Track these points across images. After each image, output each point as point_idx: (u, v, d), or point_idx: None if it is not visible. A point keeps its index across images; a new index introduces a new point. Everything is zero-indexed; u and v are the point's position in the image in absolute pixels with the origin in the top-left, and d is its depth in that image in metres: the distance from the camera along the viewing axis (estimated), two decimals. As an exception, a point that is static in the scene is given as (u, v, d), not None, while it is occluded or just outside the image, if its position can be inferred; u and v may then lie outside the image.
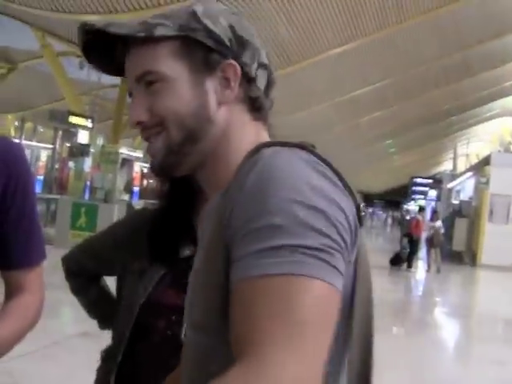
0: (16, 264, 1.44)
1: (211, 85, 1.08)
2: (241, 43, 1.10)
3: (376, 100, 20.41)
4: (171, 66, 1.08)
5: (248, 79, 1.09)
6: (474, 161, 31.98)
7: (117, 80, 12.62)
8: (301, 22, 9.63)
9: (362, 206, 1.00)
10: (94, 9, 8.54)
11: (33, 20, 10.01)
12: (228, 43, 1.09)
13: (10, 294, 1.43)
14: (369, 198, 72.43)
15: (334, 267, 0.88)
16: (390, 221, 65.92)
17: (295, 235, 0.88)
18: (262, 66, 1.12)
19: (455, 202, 26.43)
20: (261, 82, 1.12)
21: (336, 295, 0.88)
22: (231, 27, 1.10)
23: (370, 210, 70.73)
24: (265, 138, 1.12)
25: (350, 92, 17.15)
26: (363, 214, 0.99)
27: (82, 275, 1.88)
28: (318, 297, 0.86)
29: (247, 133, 1.11)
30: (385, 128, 26.66)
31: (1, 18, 12.64)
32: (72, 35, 9.11)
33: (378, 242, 30.55)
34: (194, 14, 1.09)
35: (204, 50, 1.08)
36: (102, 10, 8.59)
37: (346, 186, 0.99)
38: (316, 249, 0.87)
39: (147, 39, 1.08)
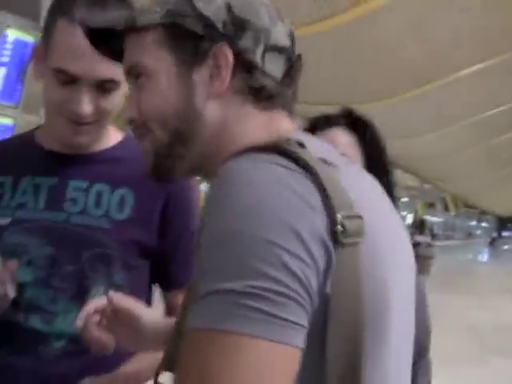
0: (175, 285, 1.45)
1: (200, 76, 0.96)
2: (239, 25, 0.95)
3: (509, 121, 19.78)
4: (154, 56, 0.97)
5: (249, 66, 0.96)
6: None
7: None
8: (430, 43, 9.46)
9: (340, 218, 0.79)
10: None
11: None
12: (220, 27, 0.95)
13: (167, 315, 1.44)
14: (503, 221, 69.72)
15: (281, 318, 0.73)
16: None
17: (229, 277, 0.74)
18: (273, 48, 0.97)
19: None
20: (273, 68, 0.97)
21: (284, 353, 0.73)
22: (228, 6, 0.95)
23: (506, 233, 68.19)
24: (282, 128, 0.97)
25: (481, 113, 16.70)
26: (339, 229, 0.79)
27: None
28: (259, 361, 0.71)
29: (251, 126, 0.96)
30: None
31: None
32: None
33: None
34: None
35: (193, 37, 0.95)
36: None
37: (325, 197, 0.80)
38: (247, 294, 0.72)
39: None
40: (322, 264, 0.77)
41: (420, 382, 1.75)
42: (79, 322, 1.19)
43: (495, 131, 21.20)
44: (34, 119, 5.04)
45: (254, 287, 0.72)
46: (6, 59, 4.95)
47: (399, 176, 23.01)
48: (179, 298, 1.39)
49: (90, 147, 1.47)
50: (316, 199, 0.80)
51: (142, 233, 1.43)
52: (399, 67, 9.88)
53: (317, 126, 1.80)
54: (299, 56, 1.02)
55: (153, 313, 1.26)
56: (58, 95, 1.38)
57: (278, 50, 0.97)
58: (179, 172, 1.01)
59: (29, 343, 1.36)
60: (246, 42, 0.95)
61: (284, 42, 0.98)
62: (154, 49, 0.97)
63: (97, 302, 1.22)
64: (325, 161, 0.87)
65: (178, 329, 0.97)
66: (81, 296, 1.38)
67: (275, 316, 0.72)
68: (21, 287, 1.35)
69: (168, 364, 0.98)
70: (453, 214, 35.78)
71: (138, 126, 1.01)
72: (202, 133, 0.96)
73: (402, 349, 0.93)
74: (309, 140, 0.93)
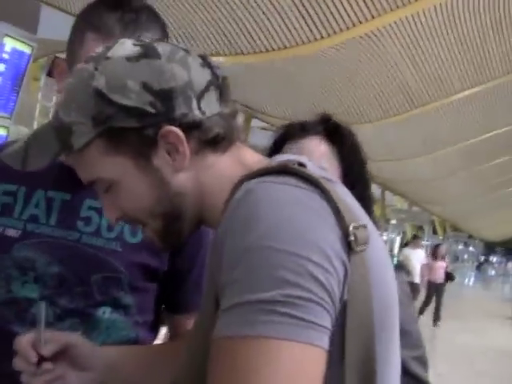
0: (184, 308, 1.46)
1: (160, 159, 0.98)
2: (165, 97, 0.95)
3: (502, 146, 19.87)
4: (109, 167, 0.98)
5: (195, 125, 0.98)
6: None
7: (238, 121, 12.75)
8: (426, 66, 9.51)
9: (352, 229, 0.87)
10: (220, 50, 8.69)
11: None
12: (151, 109, 0.95)
13: (172, 338, 1.48)
14: (490, 246, 69.99)
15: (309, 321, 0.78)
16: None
17: (259, 288, 0.79)
18: (202, 92, 0.98)
19: None
20: (211, 108, 0.99)
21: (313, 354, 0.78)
22: (145, 86, 0.95)
23: (493, 258, 68.41)
24: (246, 159, 1.02)
25: (474, 137, 16.78)
26: (352, 239, 0.86)
27: None
28: (288, 362, 0.76)
29: (225, 170, 1.00)
30: (510, 174, 25.89)
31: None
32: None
33: (503, 291, 29.53)
34: (98, 94, 0.95)
35: (132, 131, 0.96)
36: (227, 52, 8.74)
37: (336, 211, 0.87)
38: (277, 301, 0.78)
39: None
40: (341, 273, 0.84)
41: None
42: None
43: (485, 157, 21.30)
44: (25, 130, 5.04)
45: (283, 295, 0.77)
46: (2, 69, 4.94)
47: (389, 198, 23.05)
48: (186, 321, 1.41)
49: None
50: (329, 214, 0.86)
51: (153, 257, 1.43)
52: (392, 90, 9.92)
53: (290, 133, 1.72)
54: (224, 78, 1.04)
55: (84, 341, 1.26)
56: None
57: (206, 89, 0.99)
58: (187, 235, 1.05)
59: None
60: (180, 108, 0.96)
61: (205, 77, 1.00)
62: (104, 160, 0.98)
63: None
64: (326, 178, 0.93)
65: (190, 348, 0.95)
66: (88, 316, 1.38)
67: (303, 319, 0.77)
68: (27, 303, 1.34)
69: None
70: (441, 237, 35.85)
71: (128, 220, 1.05)
72: (187, 202, 1.01)
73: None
74: (304, 159, 0.98)
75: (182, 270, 1.44)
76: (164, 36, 1.40)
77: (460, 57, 10.69)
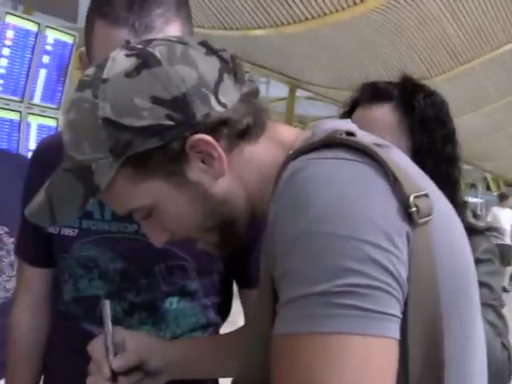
0: (252, 283, 1.40)
1: (195, 171, 0.90)
2: (181, 105, 0.86)
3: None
4: (142, 195, 0.91)
5: (221, 123, 0.89)
6: None
7: (284, 93, 12.73)
8: (468, 20, 9.33)
9: (412, 199, 0.78)
10: (259, 23, 8.64)
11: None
12: (170, 122, 0.86)
13: (245, 314, 1.44)
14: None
15: (379, 312, 0.72)
16: None
17: (318, 279, 0.72)
18: (217, 86, 0.89)
19: None
20: (230, 97, 0.90)
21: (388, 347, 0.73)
22: (155, 99, 0.86)
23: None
24: (284, 138, 0.94)
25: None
26: (413, 209, 0.78)
27: None
28: (357, 359, 0.71)
29: (263, 160, 0.93)
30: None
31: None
32: (239, 51, 9.30)
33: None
34: (109, 123, 0.86)
35: (156, 151, 0.87)
36: (267, 24, 8.68)
37: (394, 181, 0.79)
38: (339, 293, 0.71)
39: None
40: (405, 251, 0.76)
41: None
42: None
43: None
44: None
45: (344, 285, 0.71)
46: (46, 60, 4.98)
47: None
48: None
49: None
50: (385, 186, 0.79)
51: None
52: (435, 48, 9.77)
53: (362, 97, 1.56)
54: (233, 57, 0.94)
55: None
56: None
57: (220, 79, 0.90)
58: (245, 236, 0.99)
59: None
60: (199, 111, 0.87)
61: (215, 66, 0.90)
62: (136, 189, 0.91)
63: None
64: (378, 144, 0.85)
65: (252, 336, 0.90)
66: (156, 308, 1.36)
67: (371, 310, 0.71)
68: (95, 300, 1.34)
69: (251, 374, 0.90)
70: (495, 193, 35.39)
71: (182, 238, 0.98)
72: (236, 206, 0.94)
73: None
74: (352, 126, 0.91)
75: (247, 244, 1.42)
76: (180, 8, 1.27)
77: (503, 8, 10.47)
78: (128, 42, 0.96)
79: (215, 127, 0.88)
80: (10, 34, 4.62)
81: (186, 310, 1.38)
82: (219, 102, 0.88)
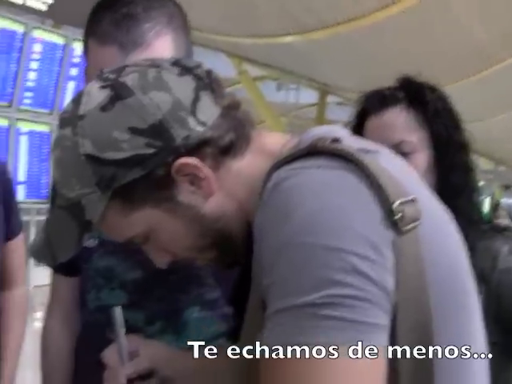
0: None
1: (185, 194, 0.90)
2: (158, 132, 0.85)
3: None
4: (136, 224, 0.91)
5: (202, 143, 0.88)
6: None
7: (314, 99, 12.71)
8: (495, 22, 9.26)
9: (397, 206, 0.77)
10: (287, 29, 8.65)
11: (230, 48, 10.38)
12: (150, 150, 0.86)
13: None
14: None
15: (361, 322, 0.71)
16: None
17: (303, 290, 0.72)
18: (194, 105, 0.88)
19: None
20: (209, 114, 0.89)
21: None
22: (133, 130, 0.85)
23: None
24: (270, 147, 0.93)
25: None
26: (396, 217, 0.77)
27: None
28: (343, 368, 0.70)
29: (251, 173, 0.92)
30: None
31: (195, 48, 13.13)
32: (269, 58, 9.31)
33: None
34: (91, 159, 0.87)
35: (142, 181, 0.87)
36: (295, 30, 8.69)
37: (378, 188, 0.78)
38: (324, 304, 0.71)
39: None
40: (391, 259, 0.76)
41: None
42: None
43: None
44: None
45: (329, 296, 0.71)
46: (74, 73, 5.03)
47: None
48: None
49: None
50: (369, 194, 0.78)
51: None
52: (465, 50, 9.70)
53: (370, 106, 1.57)
54: (209, 72, 0.93)
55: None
56: None
57: (196, 98, 0.89)
58: (244, 246, 0.95)
59: None
60: (179, 135, 0.87)
61: (189, 86, 0.89)
62: (128, 220, 0.91)
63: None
64: (365, 150, 0.85)
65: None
66: (176, 317, 1.36)
67: (356, 321, 0.71)
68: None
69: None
70: (531, 194, 34.91)
71: (183, 257, 0.98)
72: (230, 220, 0.93)
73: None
74: (340, 132, 0.90)
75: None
76: (172, 19, 1.26)
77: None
78: (101, 72, 0.95)
79: (198, 148, 0.88)
80: (37, 47, 4.67)
81: (206, 319, 1.37)
82: (198, 122, 0.88)
